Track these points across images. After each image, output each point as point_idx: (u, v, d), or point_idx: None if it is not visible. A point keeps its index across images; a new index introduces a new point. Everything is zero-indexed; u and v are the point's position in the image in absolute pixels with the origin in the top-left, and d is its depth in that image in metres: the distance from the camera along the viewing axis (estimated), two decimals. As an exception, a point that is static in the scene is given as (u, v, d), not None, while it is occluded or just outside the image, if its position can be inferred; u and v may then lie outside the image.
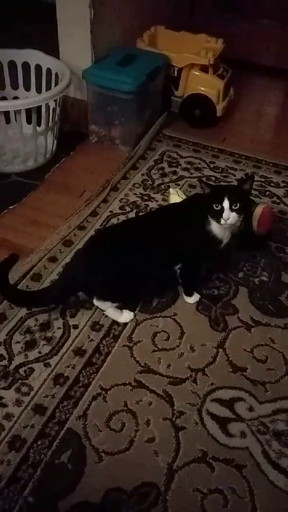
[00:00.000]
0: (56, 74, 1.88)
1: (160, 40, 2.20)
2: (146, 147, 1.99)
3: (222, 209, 1.15)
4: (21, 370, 1.15)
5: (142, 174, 1.85)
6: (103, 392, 1.12)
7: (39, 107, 1.75)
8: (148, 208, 1.68)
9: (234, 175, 1.88)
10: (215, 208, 1.16)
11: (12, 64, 1.94)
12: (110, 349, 1.22)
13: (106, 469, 0.99)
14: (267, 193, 1.80)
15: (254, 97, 2.50)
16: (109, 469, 0.99)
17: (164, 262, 1.28)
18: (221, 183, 1.82)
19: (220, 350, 1.24)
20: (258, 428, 1.08)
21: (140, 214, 1.65)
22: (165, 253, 1.25)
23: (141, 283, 1.29)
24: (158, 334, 1.26)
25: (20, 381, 1.13)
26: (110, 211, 1.66)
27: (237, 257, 1.49)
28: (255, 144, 2.11)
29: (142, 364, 1.19)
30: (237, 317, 1.32)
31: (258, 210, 1.47)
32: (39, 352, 1.20)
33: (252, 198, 1.59)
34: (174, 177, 1.85)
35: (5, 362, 1.17)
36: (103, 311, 1.28)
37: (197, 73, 2.07)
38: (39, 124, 1.79)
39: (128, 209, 1.67)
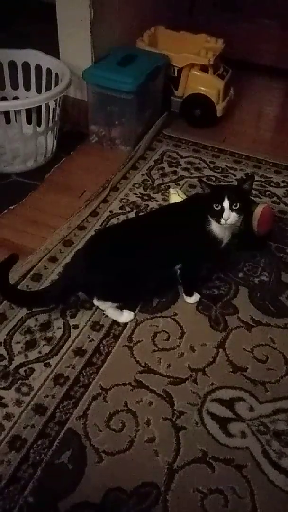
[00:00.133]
0: (56, 74, 1.88)
1: (160, 40, 2.20)
2: (146, 147, 1.99)
3: (222, 209, 1.15)
4: (21, 370, 1.15)
5: (142, 174, 1.85)
6: (103, 392, 1.12)
7: (39, 107, 1.75)
8: (148, 208, 1.68)
9: (234, 175, 1.89)
10: (215, 208, 1.16)
11: (12, 64, 1.94)
12: (110, 349, 1.22)
13: (106, 469, 0.99)
14: (267, 193, 1.80)
15: (254, 97, 2.50)
16: (109, 469, 0.99)
17: (164, 262, 1.28)
18: (221, 183, 1.82)
19: (220, 350, 1.24)
20: (258, 428, 1.08)
21: (140, 214, 1.65)
22: (165, 253, 1.25)
23: (141, 283, 1.29)
24: (158, 334, 1.26)
25: (20, 381, 1.13)
26: (110, 211, 1.66)
27: (237, 257, 1.49)
28: (255, 144, 2.11)
29: (142, 364, 1.19)
30: (237, 317, 1.32)
31: (258, 210, 1.47)
32: (39, 352, 1.20)
33: (252, 198, 1.59)
34: (174, 177, 1.85)
35: (5, 362, 1.17)
36: (103, 311, 1.28)
37: (197, 73, 2.07)
38: (39, 124, 1.79)
39: (128, 209, 1.67)
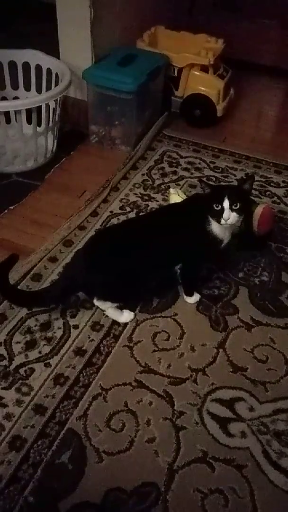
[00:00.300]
0: (56, 74, 1.88)
1: (160, 40, 2.20)
2: (146, 147, 1.99)
3: (222, 209, 1.15)
4: (22, 370, 1.15)
5: (143, 174, 1.85)
6: (104, 392, 1.12)
7: (39, 107, 1.75)
8: (149, 208, 1.68)
9: (235, 175, 1.89)
10: (215, 208, 1.16)
11: (12, 64, 1.94)
12: (110, 349, 1.22)
13: (106, 469, 0.99)
14: (267, 193, 1.80)
15: (254, 97, 2.50)
16: (110, 469, 0.99)
17: (164, 262, 1.28)
18: (221, 183, 1.82)
19: (221, 350, 1.24)
20: (258, 428, 1.08)
21: (141, 214, 1.65)
22: (165, 253, 1.25)
23: (141, 283, 1.29)
24: (158, 334, 1.26)
25: (20, 381, 1.13)
26: (110, 211, 1.66)
27: (237, 257, 1.49)
28: (255, 144, 2.11)
29: (142, 364, 1.19)
30: (237, 317, 1.32)
31: (259, 210, 1.47)
32: (40, 352, 1.20)
33: (252, 198, 1.59)
34: (175, 177, 1.85)
35: (5, 362, 1.17)
36: (104, 311, 1.28)
37: (197, 73, 2.07)
38: (39, 124, 1.79)
39: (128, 209, 1.67)
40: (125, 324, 1.28)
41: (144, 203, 1.70)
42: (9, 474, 0.97)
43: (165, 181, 1.82)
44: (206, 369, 1.19)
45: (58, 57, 1.93)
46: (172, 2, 2.50)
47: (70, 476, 0.97)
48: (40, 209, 1.66)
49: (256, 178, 1.85)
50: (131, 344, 1.23)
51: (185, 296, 1.35)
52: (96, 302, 1.26)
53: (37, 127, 1.76)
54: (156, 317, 1.31)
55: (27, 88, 1.99)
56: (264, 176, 1.89)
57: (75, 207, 1.67)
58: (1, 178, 1.79)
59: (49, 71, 1.91)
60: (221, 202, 1.15)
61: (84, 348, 1.22)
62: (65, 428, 1.05)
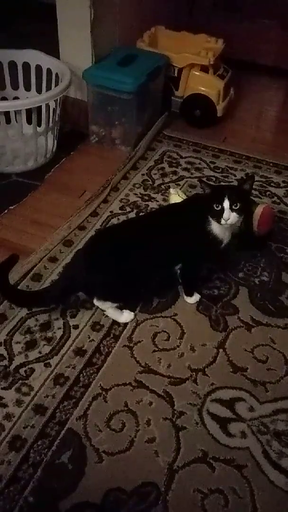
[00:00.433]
0: (57, 74, 1.88)
1: (160, 40, 2.20)
2: (146, 147, 1.99)
3: (223, 209, 1.15)
4: (22, 370, 1.15)
5: (143, 174, 1.85)
6: (104, 392, 1.12)
7: (40, 107, 1.75)
8: (149, 208, 1.68)
9: (235, 175, 1.89)
10: (216, 208, 1.16)
11: (12, 64, 1.94)
12: (110, 349, 1.22)
13: (106, 469, 0.99)
14: (268, 193, 1.80)
15: (254, 97, 2.50)
16: (110, 469, 0.99)
17: (164, 262, 1.28)
18: (222, 183, 1.82)
19: (221, 350, 1.24)
20: (258, 428, 1.08)
21: (141, 214, 1.65)
22: (165, 253, 1.25)
23: (141, 283, 1.29)
24: (158, 334, 1.26)
25: (20, 381, 1.13)
26: (111, 211, 1.66)
27: (237, 257, 1.49)
28: (255, 144, 2.11)
29: (142, 364, 1.19)
30: (237, 317, 1.32)
31: (259, 210, 1.47)
32: (40, 352, 1.20)
33: (252, 198, 1.59)
34: (175, 177, 1.85)
35: (5, 362, 1.17)
36: (104, 311, 1.28)
37: (197, 73, 2.07)
38: (39, 124, 1.79)
39: (128, 209, 1.67)
40: (125, 324, 1.28)
41: (144, 203, 1.70)
42: (9, 474, 0.97)
43: (165, 181, 1.82)
44: (206, 369, 1.19)
45: (58, 57, 1.93)
46: (172, 2, 2.50)
47: (70, 476, 0.97)
48: (40, 209, 1.66)
49: (256, 178, 1.85)
50: (131, 344, 1.23)
51: (185, 296, 1.35)
52: (96, 302, 1.26)
53: (37, 127, 1.76)
54: (156, 317, 1.31)
55: (27, 88, 1.99)
56: (264, 176, 1.89)
57: (75, 207, 1.67)
58: (1, 178, 1.79)
59: (49, 71, 1.91)
60: (221, 202, 1.15)
61: (84, 348, 1.22)
62: (65, 428, 1.05)
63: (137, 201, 1.71)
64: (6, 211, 1.64)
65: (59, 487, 0.96)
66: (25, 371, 1.15)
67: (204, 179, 1.82)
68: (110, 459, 1.01)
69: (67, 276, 1.28)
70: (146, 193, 1.75)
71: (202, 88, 2.08)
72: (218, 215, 1.16)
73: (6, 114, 1.72)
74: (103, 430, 1.05)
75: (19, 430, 1.04)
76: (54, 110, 1.81)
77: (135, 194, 1.75)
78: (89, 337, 1.24)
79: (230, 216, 1.15)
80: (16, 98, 1.97)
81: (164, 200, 1.71)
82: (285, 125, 2.32)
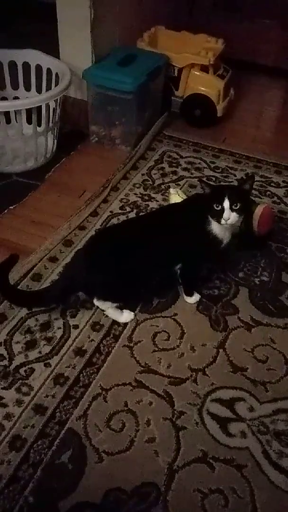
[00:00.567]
0: (57, 74, 1.88)
1: (160, 40, 2.20)
2: (146, 147, 1.99)
3: (223, 209, 1.15)
4: (22, 370, 1.15)
5: (143, 174, 1.85)
6: (104, 392, 1.12)
7: (40, 107, 1.75)
8: (149, 208, 1.68)
9: (235, 175, 1.89)
10: (216, 208, 1.16)
11: (12, 64, 1.94)
12: (110, 349, 1.22)
13: (106, 469, 0.99)
14: (268, 193, 1.80)
15: (254, 97, 2.50)
16: (110, 469, 0.99)
17: (164, 262, 1.28)
18: (222, 183, 1.82)
19: (221, 350, 1.24)
20: (258, 428, 1.08)
21: (141, 214, 1.65)
22: (165, 253, 1.25)
23: (141, 283, 1.29)
24: (158, 334, 1.26)
25: (20, 381, 1.13)
26: (111, 211, 1.66)
27: (237, 257, 1.49)
28: (255, 144, 2.11)
29: (142, 364, 1.19)
30: (237, 317, 1.32)
31: (259, 210, 1.47)
32: (40, 352, 1.20)
33: (252, 198, 1.59)
34: (175, 177, 1.85)
35: (5, 362, 1.17)
36: (104, 311, 1.28)
37: (198, 73, 2.07)
38: (39, 124, 1.79)
39: (128, 209, 1.67)
40: (125, 324, 1.28)
41: (144, 203, 1.70)
42: (9, 474, 0.97)
43: (165, 181, 1.82)
44: (206, 369, 1.19)
45: (58, 57, 1.93)
46: (172, 2, 2.50)
47: (70, 476, 0.97)
48: (40, 209, 1.66)
49: (256, 178, 1.85)
50: (131, 344, 1.23)
51: (185, 296, 1.35)
52: (96, 302, 1.25)
53: (37, 127, 1.76)
54: (156, 317, 1.31)
55: (27, 88, 1.99)
56: (264, 176, 1.89)
57: (75, 207, 1.67)
58: (1, 178, 1.79)
59: (49, 71, 1.91)
60: (221, 202, 1.15)
61: (84, 348, 1.22)
62: (65, 428, 1.05)
63: (137, 201, 1.71)
64: (6, 211, 1.64)
65: (59, 487, 0.96)
66: (25, 371, 1.15)
67: (204, 179, 1.82)
68: (110, 459, 1.01)
69: (67, 276, 1.28)
70: (146, 193, 1.75)
71: (202, 88, 2.08)
72: (218, 215, 1.16)
73: (6, 114, 1.72)
74: (103, 430, 1.05)
75: (19, 430, 1.04)
76: (54, 110, 1.81)
77: (135, 194, 1.75)
78: (89, 337, 1.24)
79: (230, 216, 1.15)
80: (16, 98, 1.97)
81: (164, 200, 1.71)
82: (285, 125, 2.32)
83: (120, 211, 1.66)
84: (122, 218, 1.62)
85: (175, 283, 1.36)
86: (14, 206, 1.66)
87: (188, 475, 0.99)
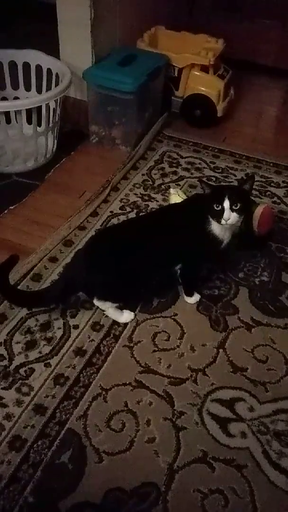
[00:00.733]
0: (57, 74, 1.88)
1: (161, 40, 2.20)
2: (146, 147, 1.99)
3: (223, 209, 1.15)
4: (22, 370, 1.15)
5: (143, 174, 1.85)
6: (104, 392, 1.12)
7: (40, 107, 1.75)
8: (149, 208, 1.68)
9: (235, 175, 1.89)
10: (216, 208, 1.16)
11: (12, 64, 1.94)
12: (110, 349, 1.22)
13: (106, 469, 0.99)
14: (268, 193, 1.80)
15: (254, 97, 2.50)
16: (110, 469, 0.99)
17: (164, 262, 1.28)
18: (222, 183, 1.82)
19: (221, 350, 1.24)
20: (258, 428, 1.08)
21: (141, 214, 1.65)
22: (165, 253, 1.25)
23: (142, 283, 1.29)
24: (158, 334, 1.26)
25: (20, 381, 1.13)
26: (111, 211, 1.66)
27: (237, 257, 1.49)
28: (255, 144, 2.11)
29: (142, 364, 1.19)
30: (237, 317, 1.32)
31: (259, 210, 1.47)
32: (40, 352, 1.20)
33: (252, 198, 1.59)
34: (175, 177, 1.85)
35: (5, 362, 1.17)
36: (104, 311, 1.28)
37: (198, 73, 2.07)
38: (39, 124, 1.79)
39: (128, 209, 1.67)
40: (125, 324, 1.28)
41: (144, 203, 1.70)
42: (9, 474, 0.97)
43: (165, 181, 1.82)
44: (206, 369, 1.19)
45: (58, 57, 1.93)
46: (172, 2, 2.50)
47: (70, 476, 0.97)
48: (40, 209, 1.66)
49: (256, 178, 1.85)
50: (131, 344, 1.23)
51: (185, 296, 1.35)
52: (96, 302, 1.25)
53: (37, 127, 1.76)
54: (156, 317, 1.31)
55: (28, 88, 1.99)
56: (264, 176, 1.89)
57: (75, 207, 1.67)
58: (1, 178, 1.79)
59: (49, 71, 1.91)
60: (221, 202, 1.15)
61: (84, 348, 1.22)
62: (65, 428, 1.05)
63: (137, 201, 1.71)
64: (6, 211, 1.64)
65: (59, 487, 0.96)
66: (25, 371, 1.15)
67: (204, 179, 1.82)
68: (110, 459, 1.01)
69: (67, 276, 1.28)
70: (146, 193, 1.75)
71: (202, 88, 2.08)
72: (218, 215, 1.16)
73: (6, 114, 1.72)
74: (103, 430, 1.05)
75: (19, 430, 1.04)
76: (54, 110, 1.81)
77: (135, 194, 1.75)
78: (89, 337, 1.24)
79: (230, 216, 1.15)
80: (16, 98, 1.97)
81: (164, 200, 1.71)
82: (285, 125, 2.32)
83: (120, 211, 1.66)
84: (122, 218, 1.62)
85: (175, 283, 1.36)
86: (14, 206, 1.66)
87: (188, 475, 0.99)
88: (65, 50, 1.93)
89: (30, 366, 1.16)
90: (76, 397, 1.11)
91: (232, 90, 2.21)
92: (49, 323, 1.27)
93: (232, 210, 1.15)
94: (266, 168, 1.94)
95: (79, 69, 1.88)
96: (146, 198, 1.73)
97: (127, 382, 1.15)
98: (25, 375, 1.14)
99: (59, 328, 1.26)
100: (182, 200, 1.56)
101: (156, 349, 1.23)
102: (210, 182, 1.58)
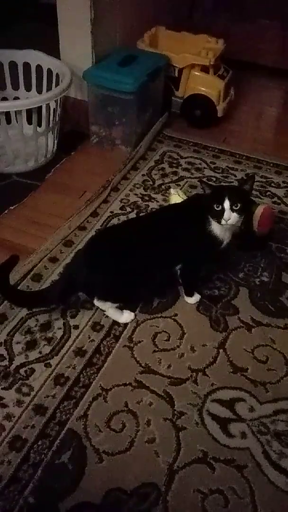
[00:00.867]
0: (57, 74, 1.88)
1: (161, 40, 2.20)
2: (146, 147, 1.99)
3: (223, 210, 1.15)
4: (22, 371, 1.15)
5: (143, 175, 1.85)
6: (104, 393, 1.12)
7: (40, 108, 1.75)
8: (149, 208, 1.68)
9: (235, 176, 1.89)
10: (216, 208, 1.16)
11: (13, 65, 1.94)
12: (110, 350, 1.22)
13: (106, 469, 0.99)
14: (268, 193, 1.80)
15: (254, 97, 2.50)
16: (110, 469, 0.99)
17: (164, 262, 1.28)
18: (222, 183, 1.82)
19: (221, 350, 1.24)
20: (258, 428, 1.08)
21: (141, 214, 1.65)
22: (166, 253, 1.25)
23: (142, 283, 1.29)
24: (158, 335, 1.26)
25: (20, 381, 1.13)
26: (111, 212, 1.66)
27: (237, 257, 1.49)
28: (255, 145, 2.11)
29: (142, 365, 1.19)
30: (237, 317, 1.32)
31: (259, 211, 1.47)
32: (40, 353, 1.20)
33: (252, 198, 1.59)
34: (175, 178, 1.85)
35: (5, 363, 1.17)
36: (104, 311, 1.28)
37: (198, 74, 2.07)
38: (39, 125, 1.79)
39: (128, 209, 1.67)
40: (125, 325, 1.28)
41: (145, 203, 1.70)
42: (9, 474, 0.97)
43: (166, 182, 1.82)
44: (206, 369, 1.19)
45: (58, 58, 1.93)
46: (173, 2, 2.50)
47: (70, 476, 0.97)
48: (41, 210, 1.66)
49: (257, 178, 1.85)
50: (131, 345, 1.23)
51: (185, 297, 1.35)
52: (96, 302, 1.25)
53: (38, 128, 1.77)
54: (157, 317, 1.31)
55: (28, 88, 1.99)
56: (264, 176, 1.89)
57: (76, 207, 1.67)
58: (2, 178, 1.79)
59: (49, 71, 1.92)
60: (221, 202, 1.15)
61: (84, 348, 1.22)
62: (65, 428, 1.05)
63: (138, 201, 1.71)
64: (6, 211, 1.64)
65: (59, 487, 0.96)
66: (25, 371, 1.15)
67: (205, 179, 1.82)
68: (110, 459, 1.01)
69: (68, 276, 1.28)
70: (146, 193, 1.75)
71: (203, 89, 2.08)
72: (219, 216, 1.16)
73: (7, 114, 1.72)
74: (103, 430, 1.05)
75: (19, 430, 1.04)
76: (54, 110, 1.81)
77: (136, 194, 1.75)
78: (90, 337, 1.24)
79: (230, 217, 1.15)
80: (16, 98, 1.98)
81: (165, 200, 1.71)
82: (285, 125, 2.32)
83: (120, 212, 1.66)
84: (123, 218, 1.62)
85: (176, 283, 1.36)
86: (14, 206, 1.66)
87: (188, 476, 0.99)
88: (65, 50, 1.93)
89: (30, 366, 1.16)
90: (76, 397, 1.11)
91: (232, 90, 2.22)
92: (49, 323, 1.27)
93: (232, 210, 1.15)
94: (267, 169, 1.94)
95: (79, 69, 1.88)
96: (147, 198, 1.73)
97: (127, 382, 1.15)
98: (25, 375, 1.15)
99: (59, 328, 1.26)
100: (182, 200, 1.56)
101: (156, 349, 1.23)
102: (210, 182, 1.57)
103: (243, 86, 2.49)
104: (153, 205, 1.69)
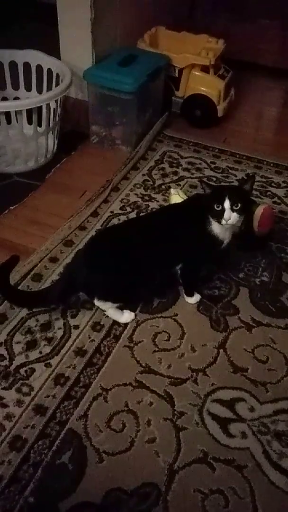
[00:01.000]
0: (57, 74, 1.88)
1: (161, 40, 2.20)
2: (147, 147, 1.99)
3: (223, 210, 1.15)
4: (22, 371, 1.15)
5: (143, 175, 1.85)
6: (104, 393, 1.12)
7: (40, 108, 1.75)
8: (149, 208, 1.68)
9: (235, 176, 1.89)
10: (216, 208, 1.16)
11: (13, 65, 1.94)
12: (111, 350, 1.22)
13: (106, 469, 0.99)
14: (268, 193, 1.80)
15: (254, 97, 2.50)
16: (110, 469, 0.99)
17: (164, 262, 1.28)
18: (222, 183, 1.82)
19: (221, 350, 1.24)
20: (259, 428, 1.08)
21: (141, 214, 1.65)
22: (166, 253, 1.25)
23: (142, 283, 1.29)
24: (159, 335, 1.26)
25: (20, 381, 1.13)
26: (111, 212, 1.66)
27: (237, 257, 1.49)
28: (256, 144, 2.11)
29: (143, 365, 1.19)
30: (238, 317, 1.32)
31: (259, 211, 1.47)
32: (40, 353, 1.20)
33: (253, 198, 1.59)
34: (175, 178, 1.85)
35: (5, 363, 1.17)
36: (104, 311, 1.28)
37: (198, 74, 2.07)
38: (40, 125, 1.79)
39: (129, 209, 1.67)
40: (126, 325, 1.28)
41: (145, 203, 1.70)
42: (10, 474, 0.97)
43: (166, 182, 1.82)
44: (206, 369, 1.19)
45: (58, 58, 1.93)
46: (173, 2, 2.50)
47: (70, 476, 0.97)
48: (41, 209, 1.66)
49: (257, 178, 1.85)
50: (132, 345, 1.23)
51: (185, 297, 1.35)
52: (96, 302, 1.25)
53: (38, 128, 1.77)
54: (157, 317, 1.31)
55: (28, 88, 1.99)
56: (264, 176, 1.89)
57: (76, 207, 1.67)
58: (2, 178, 1.79)
59: (49, 71, 1.92)
60: (221, 202, 1.15)
61: (84, 348, 1.22)
62: (65, 428, 1.05)
63: (138, 201, 1.71)
64: (6, 211, 1.64)
65: (59, 487, 0.96)
66: (26, 371, 1.15)
67: (205, 179, 1.82)
68: (111, 459, 1.01)
69: (68, 276, 1.27)
70: (146, 193, 1.75)
71: (203, 89, 2.08)
72: (219, 216, 1.16)
73: (7, 114, 1.72)
74: (103, 430, 1.05)
75: (19, 430, 1.04)
76: (54, 110, 1.81)
77: (136, 194, 1.75)
78: (90, 337, 1.24)
79: (230, 217, 1.15)
80: (16, 98, 1.97)
81: (165, 200, 1.71)
82: (285, 125, 2.32)
83: (120, 212, 1.66)
84: (123, 218, 1.62)
85: (176, 283, 1.36)
86: (14, 206, 1.66)
87: (188, 476, 0.99)
88: (65, 50, 1.93)
89: (30, 366, 1.16)
90: (77, 397, 1.11)
91: (233, 90, 2.21)
92: (50, 323, 1.27)
93: (232, 210, 1.15)
94: (267, 169, 1.94)
95: (80, 69, 1.88)
96: (147, 198, 1.73)
97: (128, 382, 1.15)
98: (25, 375, 1.14)
99: (59, 328, 1.26)
100: (183, 200, 1.56)
101: (156, 349, 1.23)
102: (210, 182, 1.58)
103: (243, 86, 2.49)
104: (153, 205, 1.69)
